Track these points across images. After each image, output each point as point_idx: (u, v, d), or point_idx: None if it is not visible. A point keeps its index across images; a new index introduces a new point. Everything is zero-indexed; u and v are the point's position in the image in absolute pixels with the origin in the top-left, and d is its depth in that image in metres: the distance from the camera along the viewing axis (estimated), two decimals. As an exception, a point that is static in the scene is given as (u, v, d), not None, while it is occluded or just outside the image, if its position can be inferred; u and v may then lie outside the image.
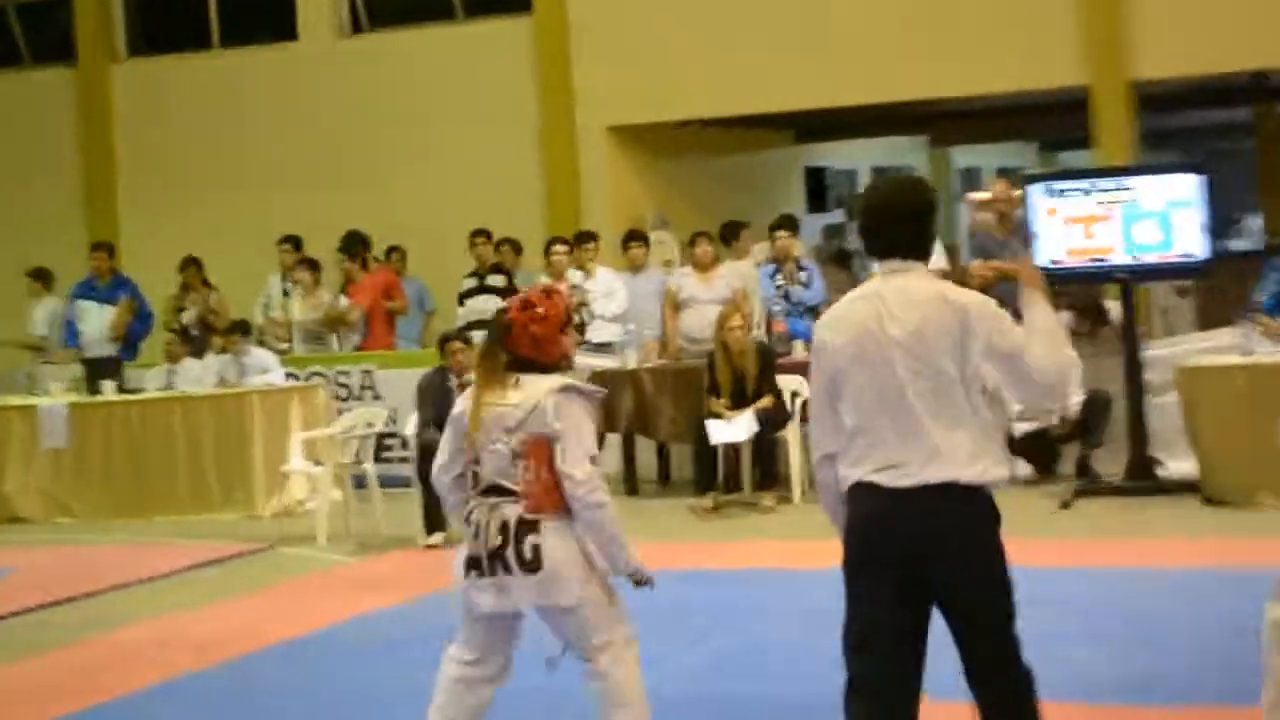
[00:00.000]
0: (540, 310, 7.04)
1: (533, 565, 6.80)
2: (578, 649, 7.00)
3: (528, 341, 6.98)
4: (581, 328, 17.06)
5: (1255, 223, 25.81)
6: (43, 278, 19.88)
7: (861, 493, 5.92)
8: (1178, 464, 14.21)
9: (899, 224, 6.11)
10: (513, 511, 6.81)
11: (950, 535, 5.84)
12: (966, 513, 5.86)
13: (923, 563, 5.84)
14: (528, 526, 6.80)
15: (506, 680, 7.18)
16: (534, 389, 6.89)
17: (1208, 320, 17.76)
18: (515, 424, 6.84)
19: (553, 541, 6.80)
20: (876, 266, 6.18)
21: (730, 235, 17.66)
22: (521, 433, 6.84)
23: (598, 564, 6.88)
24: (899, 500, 5.84)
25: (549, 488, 6.81)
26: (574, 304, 17.09)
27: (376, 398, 17.09)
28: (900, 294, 5.97)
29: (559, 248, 17.43)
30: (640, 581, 6.96)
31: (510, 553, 6.80)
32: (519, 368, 6.98)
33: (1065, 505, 13.90)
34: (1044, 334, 6.01)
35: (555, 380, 6.91)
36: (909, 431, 5.86)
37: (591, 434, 6.92)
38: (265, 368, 16.83)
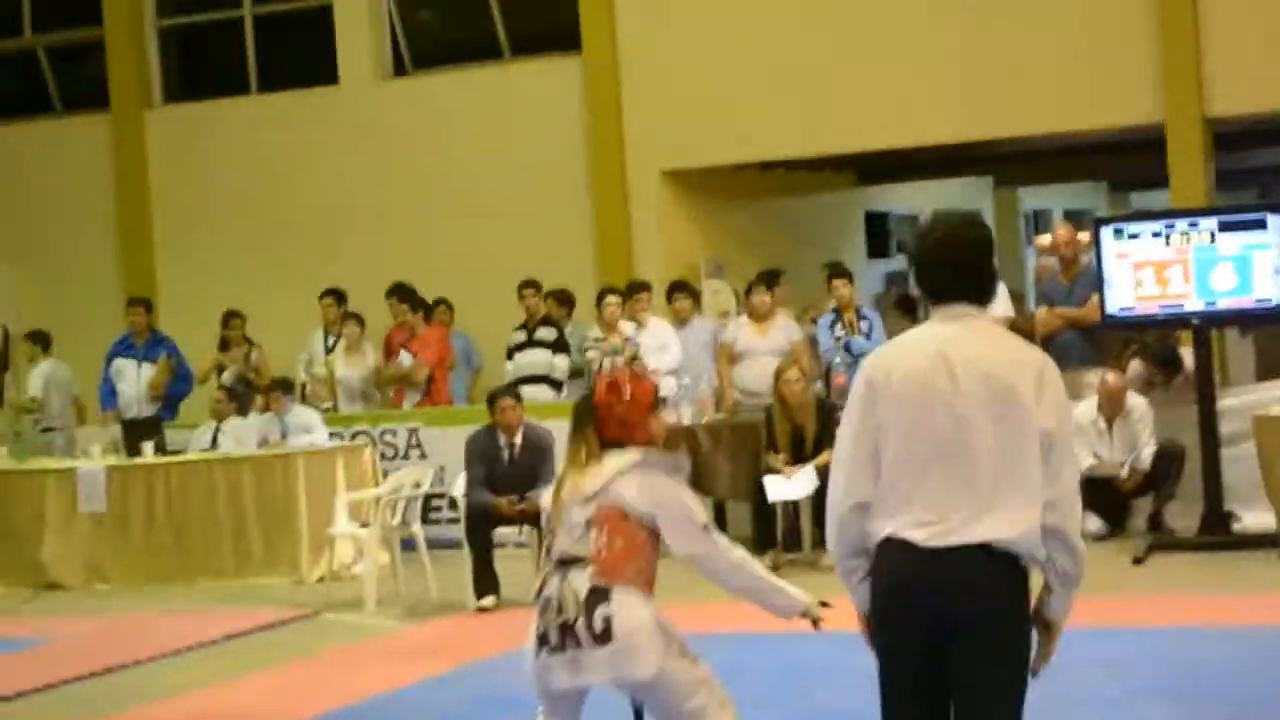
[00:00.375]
0: (627, 393, 7.14)
1: (604, 637, 6.82)
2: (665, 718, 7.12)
3: (615, 425, 7.09)
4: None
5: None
6: (40, 340, 20.07)
7: (894, 549, 5.72)
8: (1255, 517, 14.23)
9: (959, 264, 5.92)
10: (584, 581, 6.88)
11: (985, 600, 5.63)
12: (1007, 579, 5.65)
13: (951, 625, 5.65)
14: (599, 595, 6.85)
15: None
16: (613, 462, 7.01)
17: (1270, 365, 17.80)
18: (592, 493, 6.96)
19: (625, 612, 6.83)
20: (933, 311, 5.97)
21: (768, 284, 17.45)
22: (596, 501, 6.96)
23: (673, 632, 6.96)
24: (936, 560, 5.64)
25: (621, 557, 6.89)
26: (627, 357, 17.19)
27: (423, 457, 17.16)
28: (964, 341, 5.77)
29: (611, 299, 17.47)
30: (816, 620, 6.98)
31: (581, 625, 6.84)
32: (607, 449, 7.10)
33: (1139, 560, 13.93)
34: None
35: (634, 454, 7.00)
36: (958, 487, 5.65)
37: (693, 501, 7.03)
38: (309, 427, 16.95)
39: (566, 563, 6.98)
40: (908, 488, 5.69)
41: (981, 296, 5.89)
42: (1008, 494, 5.61)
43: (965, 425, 5.65)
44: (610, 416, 7.10)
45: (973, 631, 5.63)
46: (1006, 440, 5.62)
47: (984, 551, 5.59)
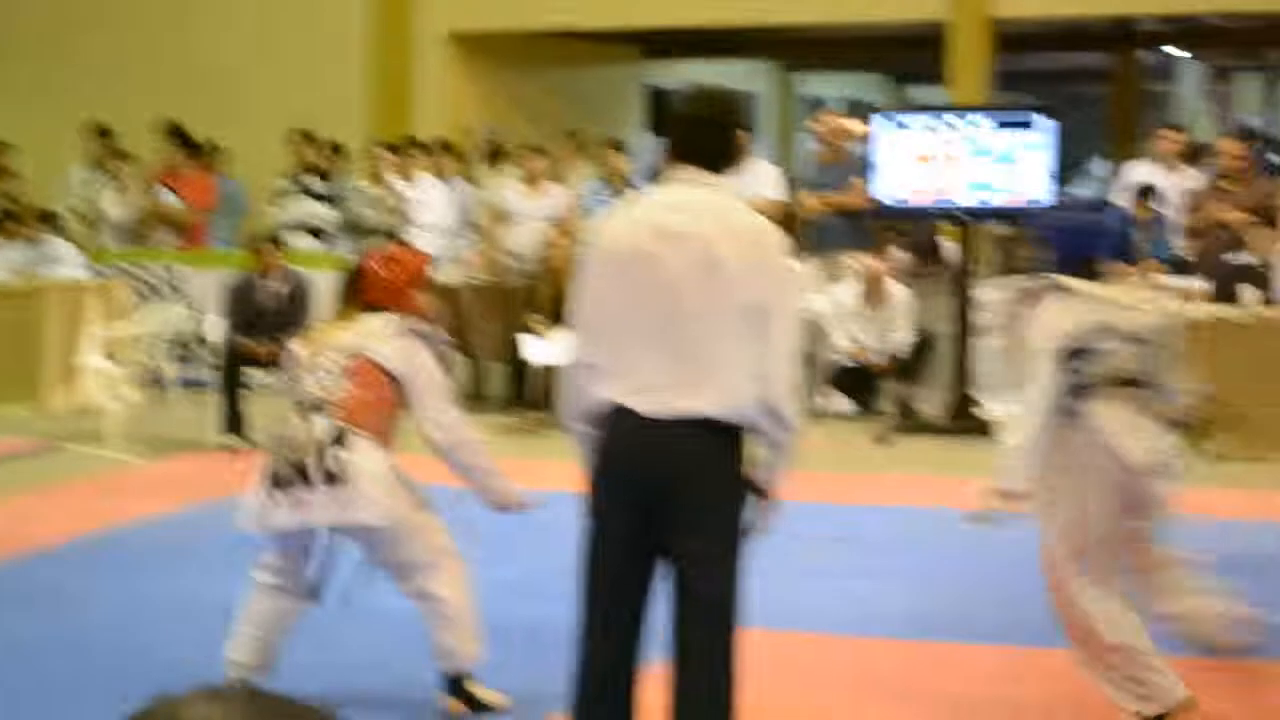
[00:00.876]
0: (397, 263, 7.41)
1: (336, 479, 6.85)
2: (394, 570, 7.13)
3: (381, 290, 7.28)
4: (395, 236, 17.08)
5: (1101, 169, 26.15)
6: None
7: (616, 415, 5.68)
8: (994, 405, 14.49)
9: (698, 123, 5.85)
10: (325, 424, 6.93)
11: (696, 470, 5.64)
12: (718, 448, 5.65)
13: (665, 496, 5.63)
14: (338, 438, 6.89)
15: (312, 602, 7.31)
16: (375, 323, 7.18)
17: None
18: (349, 346, 7.10)
19: (361, 457, 6.89)
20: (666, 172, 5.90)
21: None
22: (353, 354, 7.09)
23: (413, 485, 7.03)
24: (653, 428, 5.61)
25: (367, 407, 6.98)
26: (389, 210, 17.12)
27: (180, 297, 17.00)
28: (685, 209, 5.69)
29: (383, 152, 17.46)
30: (522, 507, 7.25)
31: (314, 464, 6.87)
32: (371, 313, 7.28)
33: (883, 441, 14.14)
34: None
35: (396, 318, 7.17)
36: (674, 357, 5.60)
37: (443, 376, 7.17)
38: (64, 259, 16.71)
39: (310, 406, 7.03)
40: (628, 355, 5.65)
41: (716, 162, 5.78)
42: (720, 365, 5.57)
43: (679, 295, 5.58)
44: (378, 282, 7.29)
45: (688, 500, 5.63)
46: (719, 312, 5.57)
47: (698, 422, 5.55)
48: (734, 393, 5.54)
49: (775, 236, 5.76)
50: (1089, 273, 7.27)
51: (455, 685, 7.32)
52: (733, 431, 5.61)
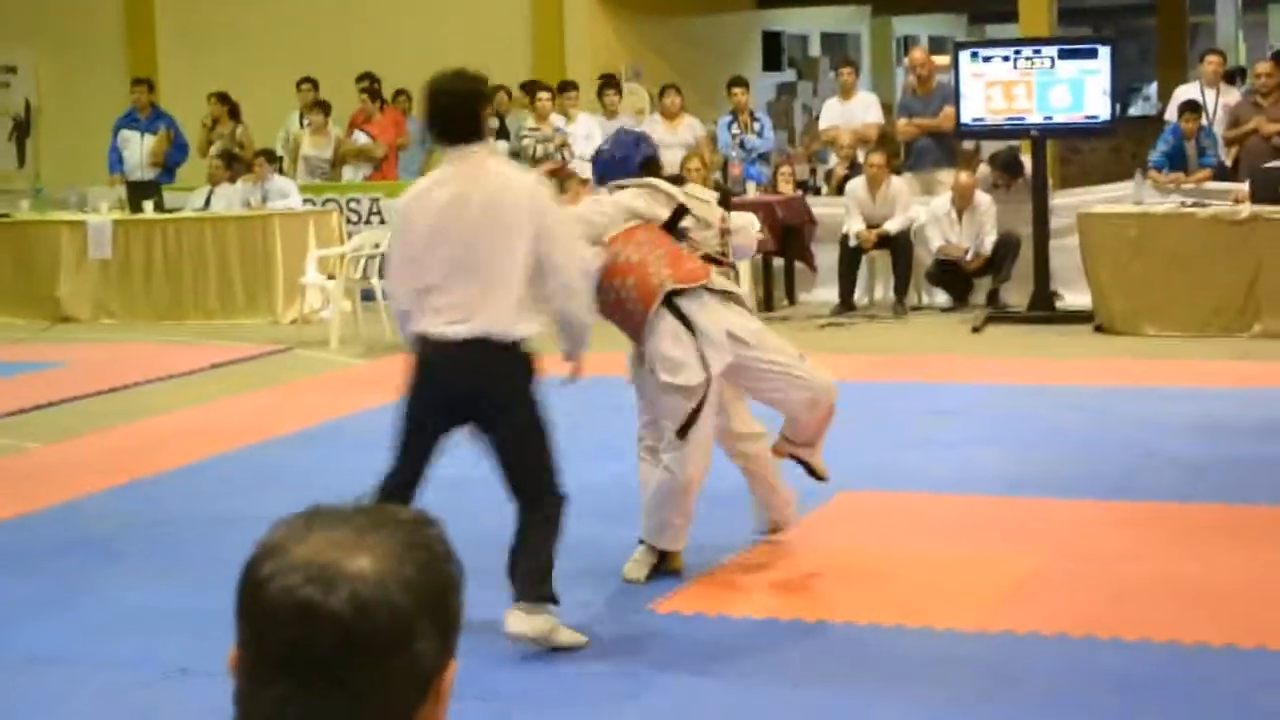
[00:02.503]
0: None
1: None
2: None
3: None
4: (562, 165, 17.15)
5: (1152, 90, 25.80)
6: None
7: (424, 341, 6.24)
8: (1075, 297, 14.43)
9: (455, 113, 6.29)
10: None
11: (494, 383, 6.25)
12: (509, 363, 6.22)
13: (472, 403, 6.27)
14: None
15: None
16: None
17: (1109, 174, 17.88)
18: None
19: None
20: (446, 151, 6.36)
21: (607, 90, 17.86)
22: None
23: None
24: (459, 348, 6.14)
25: None
26: (557, 144, 17.17)
27: (382, 222, 17.13)
28: (470, 175, 6.22)
29: (543, 94, 17.50)
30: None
31: None
32: None
33: (977, 330, 14.10)
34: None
35: None
36: (469, 291, 6.14)
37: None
38: (286, 193, 16.86)
39: None
40: (434, 294, 6.20)
41: (472, 136, 6.26)
42: (501, 293, 6.16)
43: (472, 243, 6.15)
44: None
45: (486, 401, 6.27)
46: (501, 251, 6.17)
47: (485, 339, 6.14)
48: (514, 314, 6.17)
49: (542, 187, 6.43)
50: None
51: None
52: (515, 345, 6.20)
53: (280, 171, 17.62)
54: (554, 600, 6.32)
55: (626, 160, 7.55)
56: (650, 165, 7.61)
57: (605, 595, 7.09)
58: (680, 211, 7.27)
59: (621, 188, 7.31)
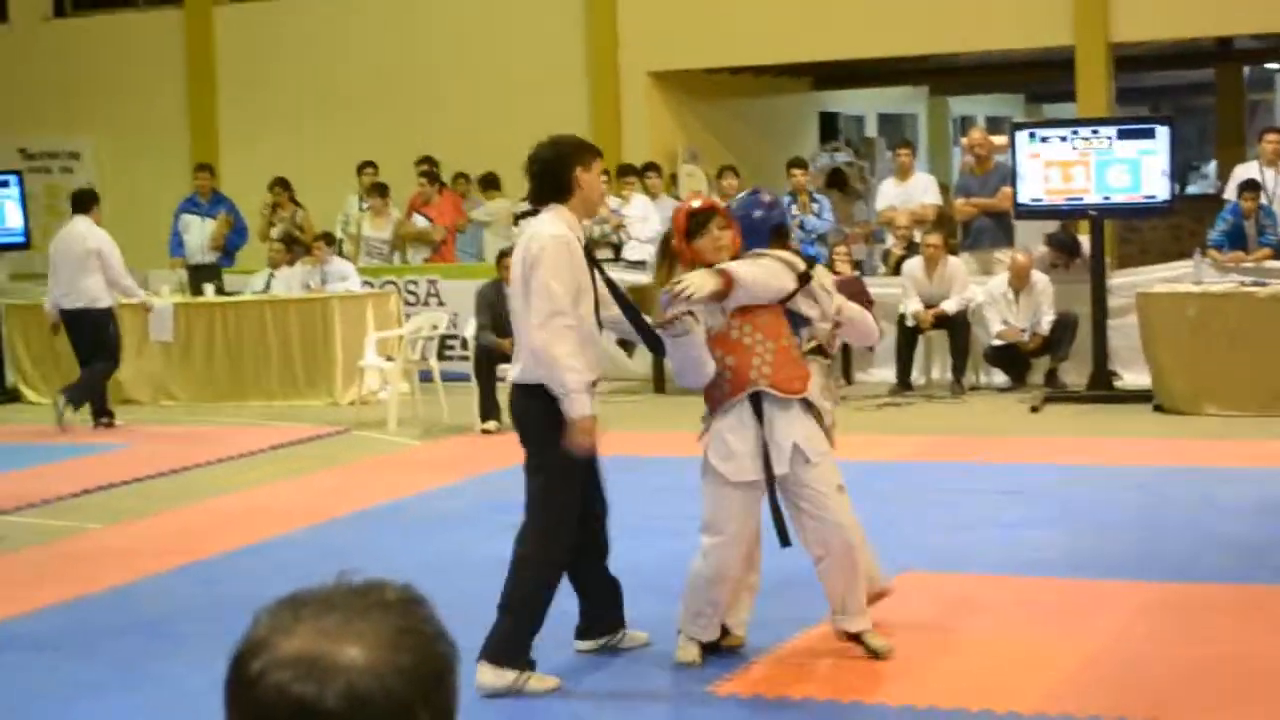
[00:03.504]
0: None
1: None
2: None
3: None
4: (619, 248, 17.24)
5: (1211, 169, 25.74)
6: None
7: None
8: (1134, 377, 14.37)
9: (541, 177, 6.97)
10: None
11: (518, 425, 7.04)
12: (524, 406, 6.91)
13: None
14: None
15: None
16: None
17: (1168, 252, 17.83)
18: None
19: None
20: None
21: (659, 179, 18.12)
22: None
23: None
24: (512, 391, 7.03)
25: None
26: (614, 225, 17.25)
27: (440, 304, 17.23)
28: (527, 233, 7.02)
29: (602, 178, 17.56)
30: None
31: None
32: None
33: (1035, 409, 14.04)
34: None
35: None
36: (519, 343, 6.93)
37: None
38: (345, 275, 16.99)
39: None
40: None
41: (552, 197, 6.92)
42: (523, 339, 6.85)
43: (515, 296, 6.87)
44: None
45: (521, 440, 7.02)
46: (520, 302, 6.80)
47: (516, 384, 6.96)
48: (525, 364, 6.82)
49: (545, 246, 6.72)
50: None
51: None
52: (537, 390, 6.79)
53: (340, 254, 17.76)
54: (509, 664, 6.81)
55: (763, 222, 7.40)
56: (780, 231, 7.53)
57: (666, 675, 7.07)
58: (804, 280, 6.96)
59: (762, 255, 7.00)
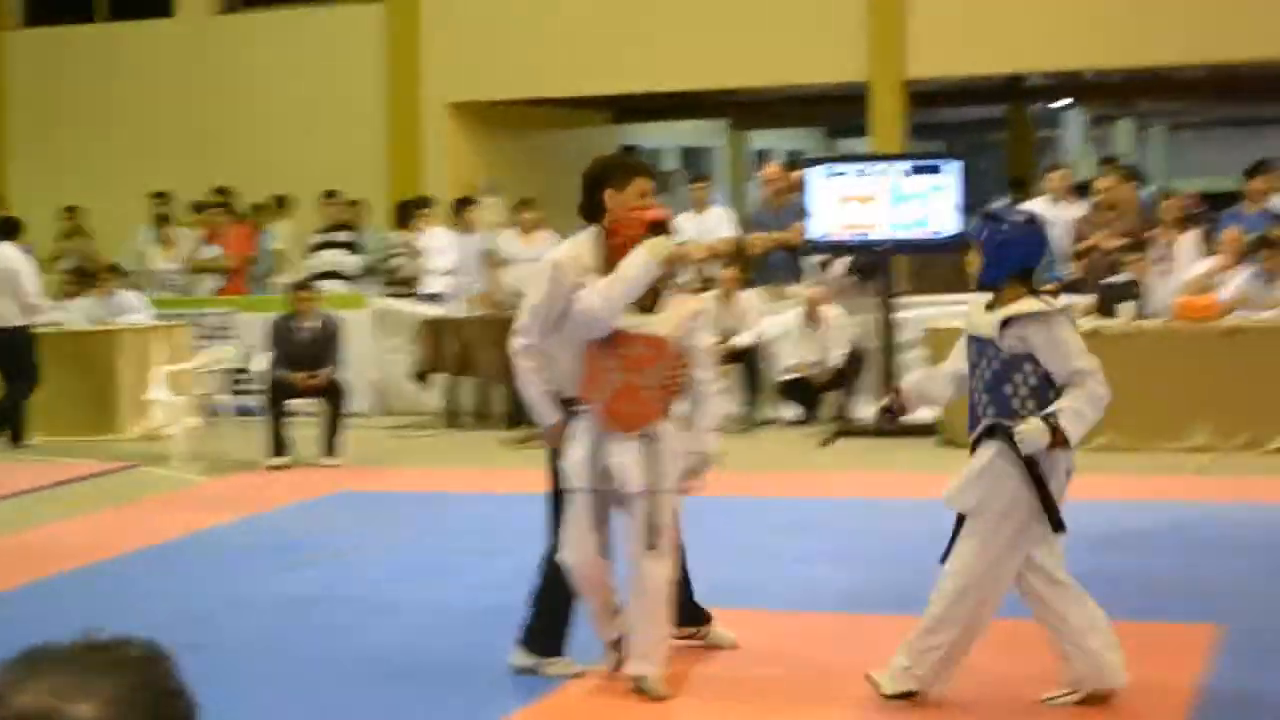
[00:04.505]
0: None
1: None
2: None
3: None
4: (414, 280, 17.16)
5: (1000, 205, 26.20)
6: None
7: None
8: (921, 411, 14.49)
9: (583, 196, 7.10)
10: None
11: None
12: None
13: None
14: None
15: None
16: None
17: (962, 286, 18.08)
18: None
19: None
20: None
21: (462, 207, 17.91)
22: None
23: None
24: None
25: None
26: (408, 258, 17.16)
27: (233, 337, 17.01)
28: None
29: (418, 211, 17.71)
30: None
31: None
32: None
33: (825, 443, 14.17)
34: (614, 278, 6.83)
35: None
36: None
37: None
38: (134, 308, 16.72)
39: None
40: None
41: (588, 217, 7.09)
42: None
43: None
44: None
45: None
46: None
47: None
48: None
49: (554, 262, 7.11)
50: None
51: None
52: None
53: (132, 285, 17.47)
54: (530, 648, 7.30)
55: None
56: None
57: (451, 710, 7.01)
58: None
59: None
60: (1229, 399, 13.00)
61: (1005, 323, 6.45)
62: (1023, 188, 20.67)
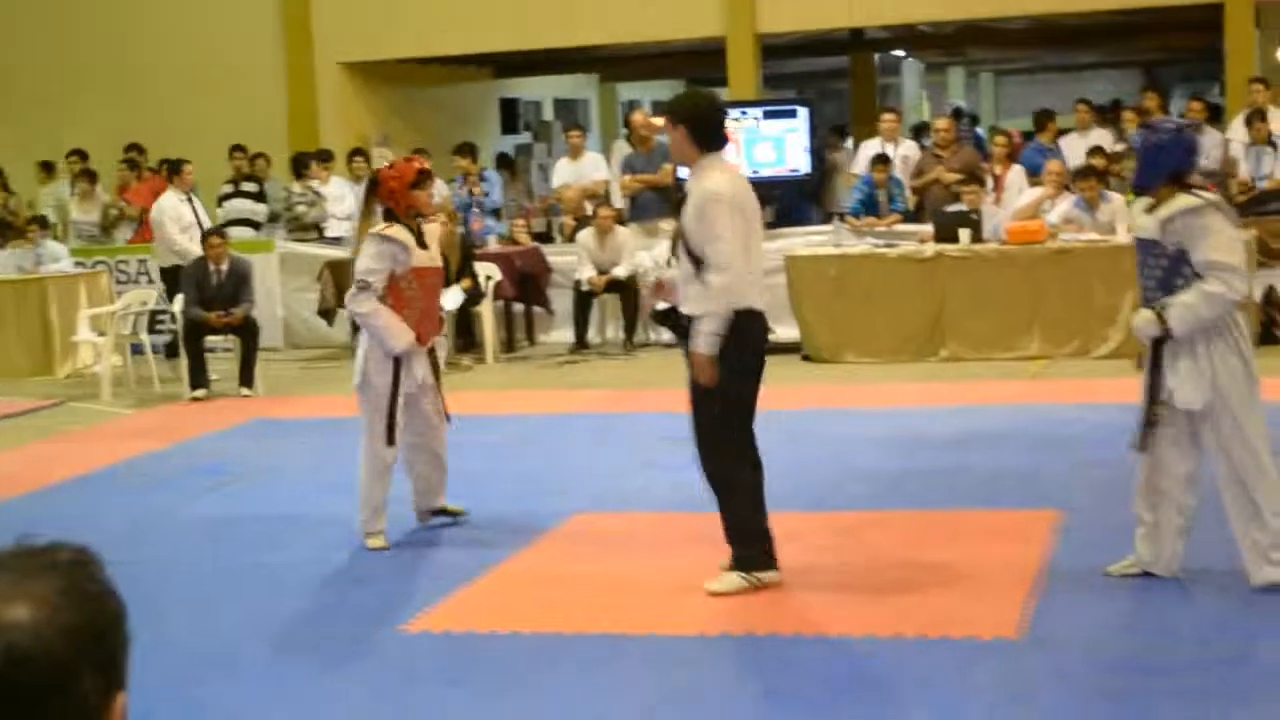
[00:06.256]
0: (394, 172, 7.90)
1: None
2: None
3: (386, 193, 7.85)
4: (319, 227, 16.99)
5: (849, 146, 26.29)
6: None
7: (754, 315, 6.76)
8: (785, 330, 14.57)
9: (713, 124, 6.96)
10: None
11: None
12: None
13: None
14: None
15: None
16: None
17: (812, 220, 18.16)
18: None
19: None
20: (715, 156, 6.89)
21: (357, 158, 17.84)
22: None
23: None
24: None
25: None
26: (308, 206, 16.97)
27: (150, 282, 16.75)
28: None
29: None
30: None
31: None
32: (387, 216, 7.86)
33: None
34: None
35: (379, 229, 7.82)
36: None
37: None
38: (57, 257, 16.43)
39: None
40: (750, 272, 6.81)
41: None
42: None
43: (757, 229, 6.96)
44: (385, 189, 7.86)
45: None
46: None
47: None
48: None
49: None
50: None
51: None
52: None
53: (54, 237, 17.17)
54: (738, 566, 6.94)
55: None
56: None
57: (356, 615, 6.97)
58: None
59: None
60: (1058, 312, 13.16)
61: (1166, 221, 6.45)
62: (841, 133, 21.04)
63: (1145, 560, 6.78)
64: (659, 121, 15.97)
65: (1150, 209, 6.60)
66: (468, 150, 17.56)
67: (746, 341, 6.69)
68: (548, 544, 7.95)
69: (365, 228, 7.88)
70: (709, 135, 6.80)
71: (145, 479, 10.36)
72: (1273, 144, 15.00)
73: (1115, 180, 14.49)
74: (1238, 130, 15.53)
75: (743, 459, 6.88)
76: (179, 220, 15.12)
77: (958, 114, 19.37)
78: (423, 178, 7.87)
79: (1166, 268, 6.49)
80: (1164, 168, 6.57)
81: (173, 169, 15.71)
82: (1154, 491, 6.69)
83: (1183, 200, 6.47)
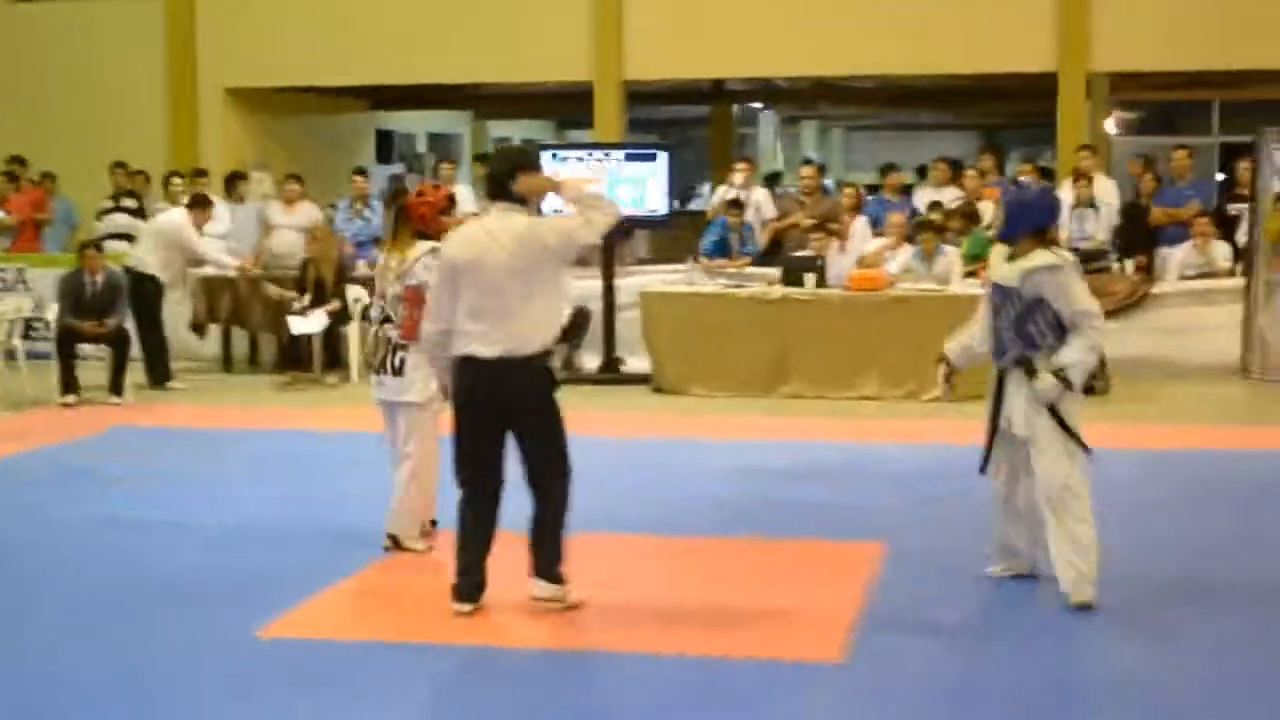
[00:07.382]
0: (427, 199, 7.85)
1: (399, 371, 7.78)
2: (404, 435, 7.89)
3: (418, 218, 7.79)
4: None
5: (706, 191, 26.50)
6: None
7: (467, 362, 6.66)
8: (637, 362, 14.66)
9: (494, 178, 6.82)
10: (394, 334, 7.78)
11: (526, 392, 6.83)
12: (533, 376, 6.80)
13: (508, 409, 6.80)
14: (400, 347, 7.76)
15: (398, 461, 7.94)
16: (419, 247, 7.73)
17: (672, 258, 18.27)
18: (401, 271, 7.74)
19: (413, 360, 7.68)
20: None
21: (235, 180, 17.74)
22: (404, 280, 7.73)
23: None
24: (495, 366, 6.65)
25: (414, 324, 7.52)
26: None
27: (27, 290, 16.45)
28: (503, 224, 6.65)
29: (176, 180, 17.24)
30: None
31: (387, 362, 7.82)
32: (416, 237, 7.78)
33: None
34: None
35: (429, 245, 7.63)
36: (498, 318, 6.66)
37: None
38: (-65, 263, 16.09)
39: (385, 320, 7.84)
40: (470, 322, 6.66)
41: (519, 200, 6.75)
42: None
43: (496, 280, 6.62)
44: (415, 213, 7.80)
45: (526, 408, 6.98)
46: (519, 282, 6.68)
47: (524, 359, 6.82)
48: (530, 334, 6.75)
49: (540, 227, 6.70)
50: None
51: (393, 538, 8.01)
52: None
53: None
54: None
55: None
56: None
57: (209, 620, 6.90)
58: None
59: None
60: (894, 356, 13.33)
61: (1029, 273, 6.86)
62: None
63: (1016, 564, 7.38)
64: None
65: (1011, 258, 7.03)
66: (363, 173, 17.76)
67: (459, 386, 6.81)
68: (412, 561, 7.94)
69: (399, 249, 7.82)
70: (489, 186, 6.94)
71: (13, 482, 10.17)
72: (1094, 206, 15.37)
73: (950, 234, 14.75)
74: (1066, 193, 15.89)
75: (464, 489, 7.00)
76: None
77: (814, 165, 19.64)
78: (450, 204, 8.01)
79: (1020, 313, 6.96)
80: (1028, 224, 7.05)
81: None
82: (1007, 507, 7.26)
83: (1042, 256, 6.93)
